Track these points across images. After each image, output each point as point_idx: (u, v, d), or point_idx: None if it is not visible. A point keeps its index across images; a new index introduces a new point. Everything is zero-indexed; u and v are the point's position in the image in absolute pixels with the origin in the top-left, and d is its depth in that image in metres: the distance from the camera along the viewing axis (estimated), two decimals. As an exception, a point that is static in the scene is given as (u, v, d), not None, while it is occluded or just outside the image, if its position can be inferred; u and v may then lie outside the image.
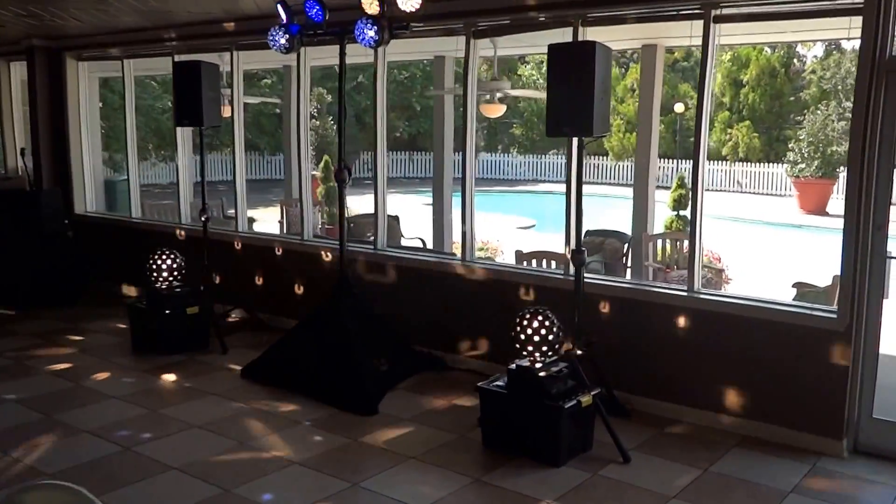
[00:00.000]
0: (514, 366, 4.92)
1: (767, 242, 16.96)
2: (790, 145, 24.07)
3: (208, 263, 7.32)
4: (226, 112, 11.19)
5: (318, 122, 21.57)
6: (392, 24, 5.58)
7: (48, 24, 8.35)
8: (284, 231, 11.53)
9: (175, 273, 6.99)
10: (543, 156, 30.15)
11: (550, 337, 4.85)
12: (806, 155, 22.45)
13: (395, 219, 10.55)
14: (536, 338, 4.84)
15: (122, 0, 6.91)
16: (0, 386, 6.05)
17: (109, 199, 15.36)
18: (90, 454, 4.85)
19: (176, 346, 6.88)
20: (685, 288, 5.55)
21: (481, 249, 11.38)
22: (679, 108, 25.71)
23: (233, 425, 5.36)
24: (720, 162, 26.94)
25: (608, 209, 17.80)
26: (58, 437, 5.12)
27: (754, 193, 25.68)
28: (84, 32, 9.01)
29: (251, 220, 12.11)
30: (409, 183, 26.82)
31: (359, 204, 20.77)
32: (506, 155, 31.10)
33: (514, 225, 17.46)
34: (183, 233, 8.57)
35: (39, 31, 9.06)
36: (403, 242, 10.23)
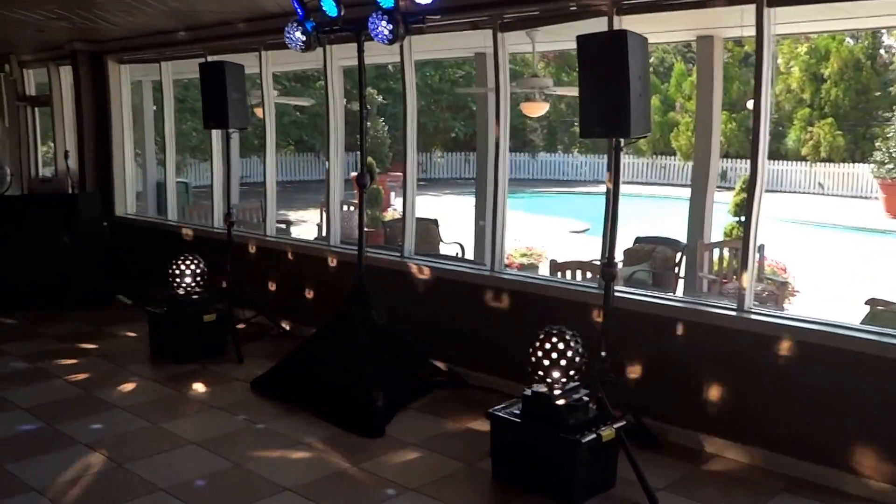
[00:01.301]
0: (528, 391, 4.44)
1: (846, 250, 15.87)
2: (877, 144, 22.65)
3: (231, 268, 7.05)
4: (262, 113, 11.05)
5: (368, 124, 21.28)
6: (407, 17, 5.16)
7: (90, 28, 8.24)
8: (323, 234, 11.25)
9: (198, 279, 6.74)
10: (605, 156, 29.15)
11: (572, 360, 4.34)
12: (895, 154, 21.05)
13: (434, 223, 10.15)
14: (557, 361, 4.33)
15: (142, 1, 6.67)
16: (11, 391, 5.91)
17: (162, 200, 15.48)
18: (78, 470, 4.59)
19: (192, 354, 6.64)
20: (735, 305, 4.95)
21: (525, 255, 10.88)
22: (752, 104, 24.46)
23: (231, 444, 5.04)
24: (800, 162, 25.57)
25: (671, 212, 17.02)
26: (51, 448, 4.91)
27: (837, 196, 24.26)
28: (122, 35, 8.90)
29: (289, 224, 11.98)
30: (465, 184, 26.47)
31: (425, 203, 20.53)
32: (566, 155, 30.29)
33: (567, 228, 16.86)
34: (213, 236, 8.34)
35: (81, 35, 9.00)
36: (442, 248, 9.82)
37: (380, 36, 5.14)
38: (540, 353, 4.38)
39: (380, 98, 22.68)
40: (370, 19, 5.14)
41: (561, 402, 4.33)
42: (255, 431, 5.25)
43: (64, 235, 8.23)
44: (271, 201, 8.04)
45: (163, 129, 9.29)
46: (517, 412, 4.49)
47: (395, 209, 19.93)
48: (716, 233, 9.95)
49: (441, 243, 10.13)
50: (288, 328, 7.50)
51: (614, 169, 4.70)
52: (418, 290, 6.51)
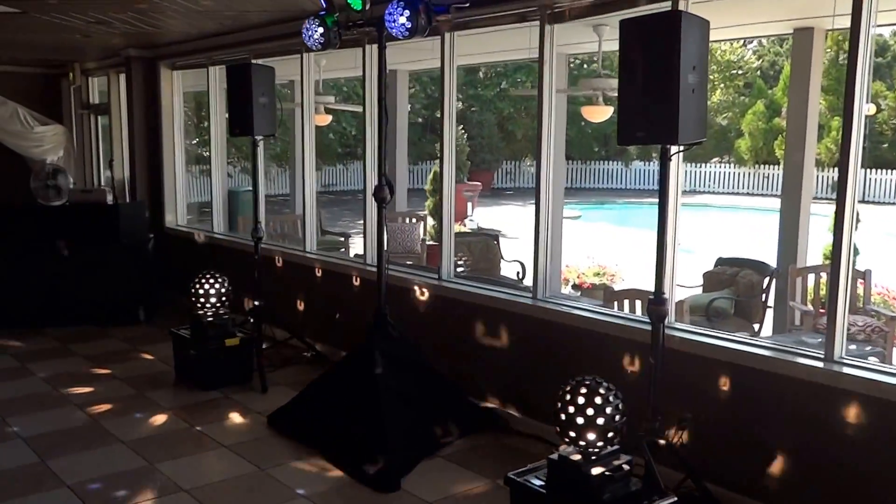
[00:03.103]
0: (556, 455, 3.65)
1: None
2: None
3: (260, 287, 6.52)
4: (321, 120, 10.52)
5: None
6: (431, 7, 4.46)
7: (133, 32, 7.92)
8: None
9: (223, 298, 6.23)
10: (704, 164, 27.73)
11: (611, 418, 3.55)
12: None
13: (494, 238, 9.37)
14: (587, 419, 3.54)
15: (174, 1, 6.22)
16: (19, 418, 5.55)
17: (232, 209, 15.27)
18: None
19: (214, 381, 6.13)
20: (822, 353, 4.00)
21: (598, 275, 9.97)
22: (870, 109, 22.56)
23: (225, 493, 4.46)
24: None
25: (773, 227, 15.71)
26: (34, 489, 4.48)
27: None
28: (172, 40, 8.57)
29: (347, 237, 11.42)
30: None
31: (495, 215, 19.80)
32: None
33: (652, 243, 15.69)
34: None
35: (134, 41, 8.72)
36: (502, 267, 9.05)
37: (397, 29, 4.46)
38: (571, 409, 3.59)
39: (459, 104, 21.99)
40: (388, 10, 4.47)
41: (596, 470, 3.53)
42: (258, 478, 4.64)
43: (63, 248, 7.86)
44: (310, 214, 7.47)
45: (209, 137, 8.90)
46: (542, 480, 3.71)
47: (472, 220, 19.25)
48: (815, 253, 8.84)
49: (501, 261, 9.34)
50: (322, 351, 6.89)
51: (663, 183, 3.85)
52: (456, 318, 5.79)
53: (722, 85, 27.65)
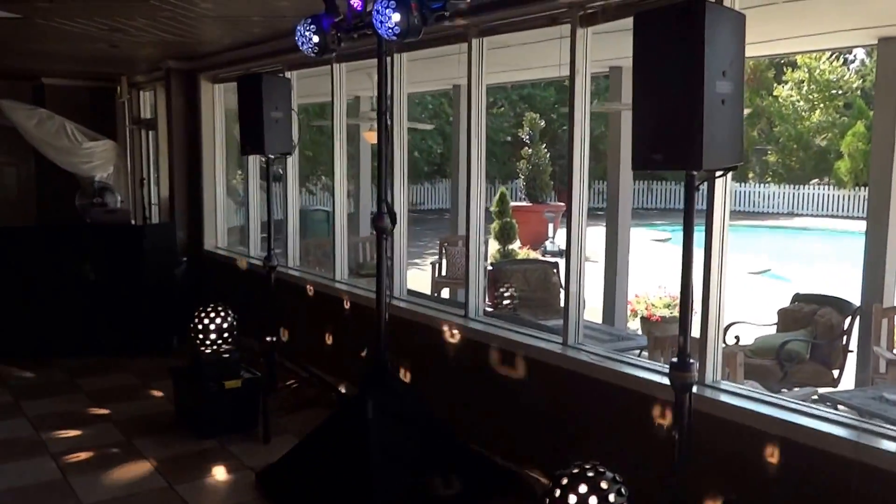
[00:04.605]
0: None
1: None
2: None
3: (274, 322, 5.96)
4: (370, 138, 9.95)
5: (530, 151, 19.89)
6: (425, 4, 3.78)
7: (177, 43, 7.56)
8: (438, 274, 9.96)
9: (224, 335, 5.67)
10: (802, 186, 26.08)
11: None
12: None
13: (553, 266, 8.56)
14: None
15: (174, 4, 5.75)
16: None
17: (304, 229, 14.87)
18: None
19: (211, 428, 5.53)
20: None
21: (667, 307, 9.02)
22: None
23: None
24: None
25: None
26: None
27: None
28: (211, 51, 8.18)
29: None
30: (645, 215, 24.69)
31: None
32: (758, 185, 27.32)
33: (745, 269, 14.52)
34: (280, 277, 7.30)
35: (173, 52, 8.38)
36: (562, 297, 8.22)
37: (385, 29, 3.79)
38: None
39: (542, 122, 21.25)
40: (376, 7, 3.81)
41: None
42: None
43: (90, 272, 7.41)
44: (340, 239, 6.86)
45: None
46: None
47: (552, 242, 18.41)
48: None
49: (561, 291, 8.52)
50: (348, 392, 6.24)
51: (687, 219, 3.03)
52: (480, 363, 5.06)
53: (822, 105, 26.04)
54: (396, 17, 3.75)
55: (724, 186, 3.71)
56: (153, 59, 8.83)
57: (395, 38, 3.83)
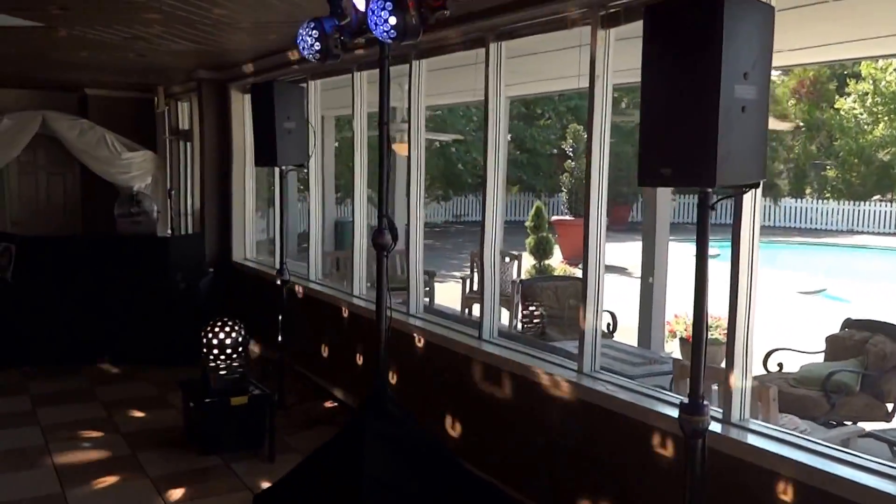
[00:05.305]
0: None
1: None
2: None
3: (285, 338, 5.75)
4: (401, 150, 9.67)
5: (573, 164, 19.44)
6: (424, 5, 3.50)
7: (208, 52, 7.44)
8: (469, 290, 9.61)
9: (228, 350, 5.46)
10: (862, 203, 25.01)
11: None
12: None
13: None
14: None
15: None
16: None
17: (338, 240, 14.67)
18: None
19: (217, 444, 5.36)
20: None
21: (713, 328, 8.53)
22: None
23: None
24: None
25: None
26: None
27: None
28: (240, 60, 8.05)
29: (432, 275, 10.44)
30: (692, 229, 23.76)
31: (624, 252, 18.36)
32: (816, 200, 26.34)
33: (797, 287, 13.88)
34: (301, 289, 7.10)
35: (204, 62, 8.29)
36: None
37: (381, 31, 3.53)
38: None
39: (586, 135, 20.77)
40: (371, 7, 3.54)
41: None
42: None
43: (182, 280, 7.34)
44: (359, 253, 6.61)
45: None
46: None
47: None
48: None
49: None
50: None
51: (700, 243, 2.70)
52: (493, 388, 4.75)
53: (886, 118, 24.99)
54: (393, 20, 3.47)
55: (752, 202, 3.35)
56: (186, 69, 8.76)
57: (391, 40, 3.55)
